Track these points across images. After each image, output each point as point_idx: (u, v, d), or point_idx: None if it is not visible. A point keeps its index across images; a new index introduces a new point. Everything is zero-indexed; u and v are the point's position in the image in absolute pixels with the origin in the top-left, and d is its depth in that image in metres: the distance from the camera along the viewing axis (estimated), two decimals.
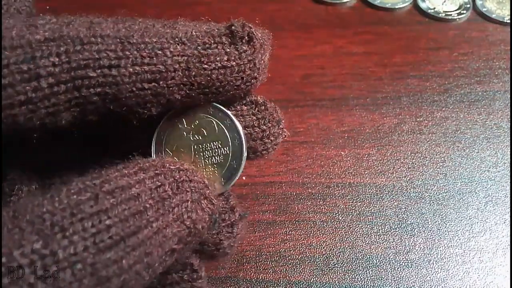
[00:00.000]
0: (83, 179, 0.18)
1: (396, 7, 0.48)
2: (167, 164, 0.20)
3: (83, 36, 0.18)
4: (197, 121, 0.23)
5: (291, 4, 0.49)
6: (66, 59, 0.18)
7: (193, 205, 0.20)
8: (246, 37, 0.21)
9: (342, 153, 0.36)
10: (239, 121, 0.23)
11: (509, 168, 0.34)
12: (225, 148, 0.23)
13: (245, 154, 0.23)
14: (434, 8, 0.47)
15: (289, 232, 0.31)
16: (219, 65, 0.20)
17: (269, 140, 0.24)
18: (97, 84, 0.18)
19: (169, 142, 0.23)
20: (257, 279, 0.29)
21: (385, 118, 0.38)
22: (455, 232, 0.31)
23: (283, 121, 0.24)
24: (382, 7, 0.48)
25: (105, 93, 0.19)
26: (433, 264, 0.30)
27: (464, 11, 0.47)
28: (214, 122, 0.23)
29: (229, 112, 0.23)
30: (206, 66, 0.20)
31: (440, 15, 0.47)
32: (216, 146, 0.23)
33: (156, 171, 0.19)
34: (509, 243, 0.31)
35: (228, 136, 0.23)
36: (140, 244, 0.17)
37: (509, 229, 0.31)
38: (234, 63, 0.21)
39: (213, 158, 0.23)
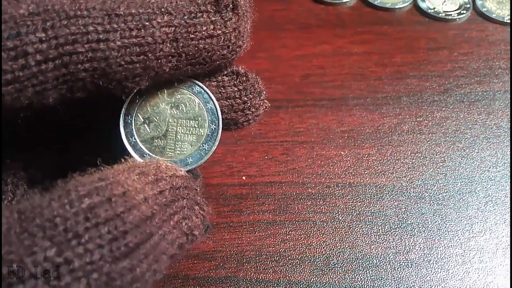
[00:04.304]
0: (90, 180, 0.17)
1: (396, 7, 0.48)
2: (164, 169, 0.19)
3: (69, 9, 0.18)
4: (178, 96, 0.22)
5: (291, 4, 0.49)
6: (53, 34, 0.17)
7: (188, 212, 0.20)
8: (231, 5, 0.21)
9: (342, 153, 0.36)
10: (220, 92, 0.23)
11: (509, 168, 0.34)
12: (200, 129, 0.22)
13: (218, 139, 0.23)
14: (434, 8, 0.47)
15: (289, 232, 0.31)
16: (205, 34, 0.20)
17: (250, 112, 0.24)
18: (86, 59, 0.18)
19: (143, 108, 0.22)
20: (257, 279, 0.29)
21: (385, 118, 0.38)
22: (455, 232, 0.31)
23: (264, 92, 0.24)
24: (382, 7, 0.48)
25: (94, 68, 0.18)
26: (433, 264, 0.30)
27: (464, 11, 0.47)
28: (196, 102, 0.22)
29: (213, 96, 0.22)
30: (193, 36, 0.20)
31: (440, 15, 0.46)
32: (192, 125, 0.22)
33: (156, 176, 0.19)
34: (509, 243, 0.31)
35: (207, 119, 0.22)
36: (151, 251, 0.17)
37: (509, 229, 0.31)
38: (220, 31, 0.20)
39: (187, 135, 0.22)
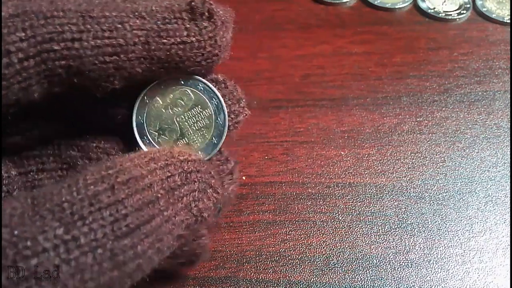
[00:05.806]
0: (98, 169, 0.19)
1: (396, 7, 0.48)
2: (176, 154, 0.21)
3: (46, 11, 0.19)
4: (171, 95, 0.23)
5: (291, 4, 0.49)
6: (32, 33, 0.19)
7: (200, 195, 0.21)
8: (207, 14, 0.22)
9: (342, 153, 0.36)
10: None
11: (509, 168, 0.34)
12: (206, 110, 0.24)
13: (225, 107, 0.24)
14: (434, 8, 0.47)
15: (289, 232, 0.31)
16: (178, 40, 0.21)
17: (230, 118, 0.24)
18: (62, 57, 0.19)
19: (150, 124, 0.23)
20: (257, 279, 0.29)
21: (385, 118, 0.38)
22: (455, 232, 0.31)
23: (243, 100, 0.25)
24: (382, 7, 0.48)
25: (69, 66, 0.19)
26: (433, 264, 0.30)
27: (464, 11, 0.47)
28: (189, 90, 0.23)
29: (198, 76, 0.23)
30: (165, 40, 0.21)
31: (440, 15, 0.47)
32: (197, 111, 0.24)
33: (167, 162, 0.20)
34: (509, 243, 0.31)
35: (206, 98, 0.24)
36: (152, 232, 0.18)
37: (509, 229, 0.31)
38: (194, 39, 0.21)
39: (198, 122, 0.24)
